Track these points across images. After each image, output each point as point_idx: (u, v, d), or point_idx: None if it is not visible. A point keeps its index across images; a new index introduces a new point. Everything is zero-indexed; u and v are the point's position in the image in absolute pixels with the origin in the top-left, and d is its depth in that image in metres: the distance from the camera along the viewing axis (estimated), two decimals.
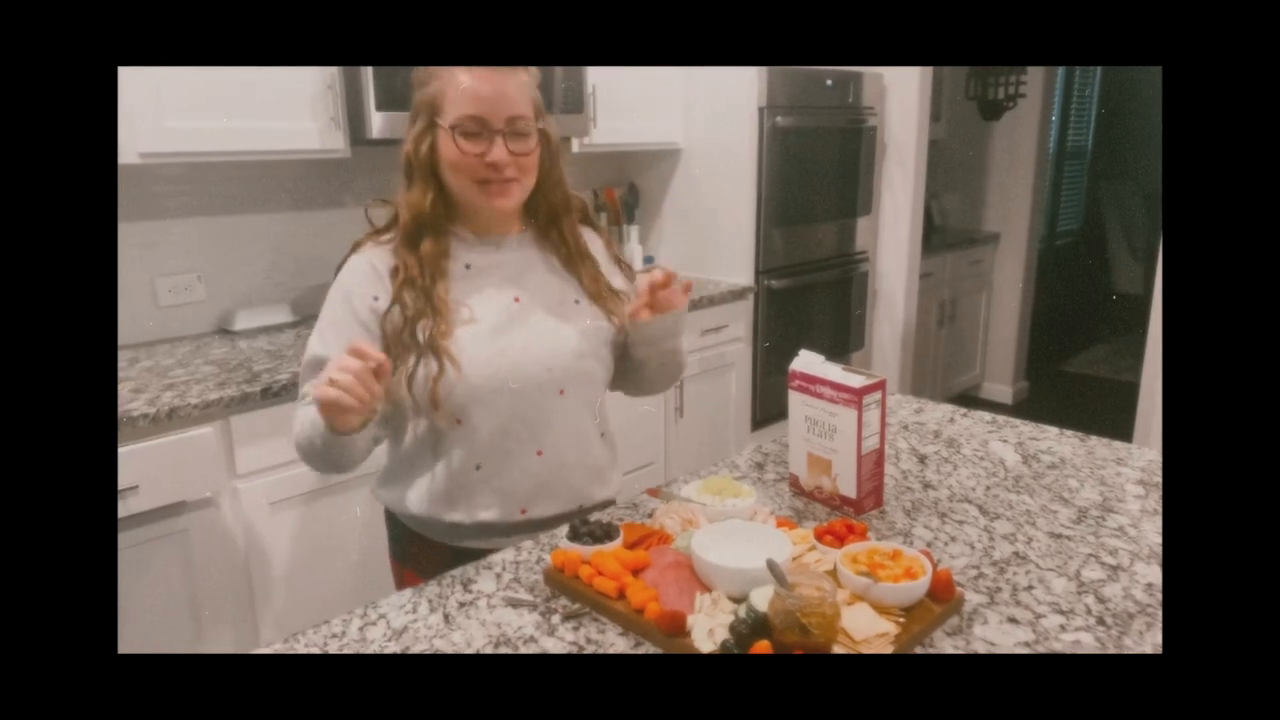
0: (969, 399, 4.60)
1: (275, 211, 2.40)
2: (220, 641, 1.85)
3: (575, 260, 1.27)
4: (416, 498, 1.23)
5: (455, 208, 1.20)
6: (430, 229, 1.17)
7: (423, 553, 1.27)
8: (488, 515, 1.21)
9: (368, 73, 2.10)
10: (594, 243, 1.32)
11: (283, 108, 2.05)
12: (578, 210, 1.29)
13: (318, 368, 1.14)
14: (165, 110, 1.86)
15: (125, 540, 1.67)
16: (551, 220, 1.26)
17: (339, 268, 1.21)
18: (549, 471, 1.22)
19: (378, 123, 2.13)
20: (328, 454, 1.10)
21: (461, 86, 1.12)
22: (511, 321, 1.19)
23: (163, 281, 2.22)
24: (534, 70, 1.20)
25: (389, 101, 2.14)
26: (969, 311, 4.42)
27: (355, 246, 1.22)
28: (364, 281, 1.17)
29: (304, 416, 1.12)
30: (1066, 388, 4.92)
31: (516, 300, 1.21)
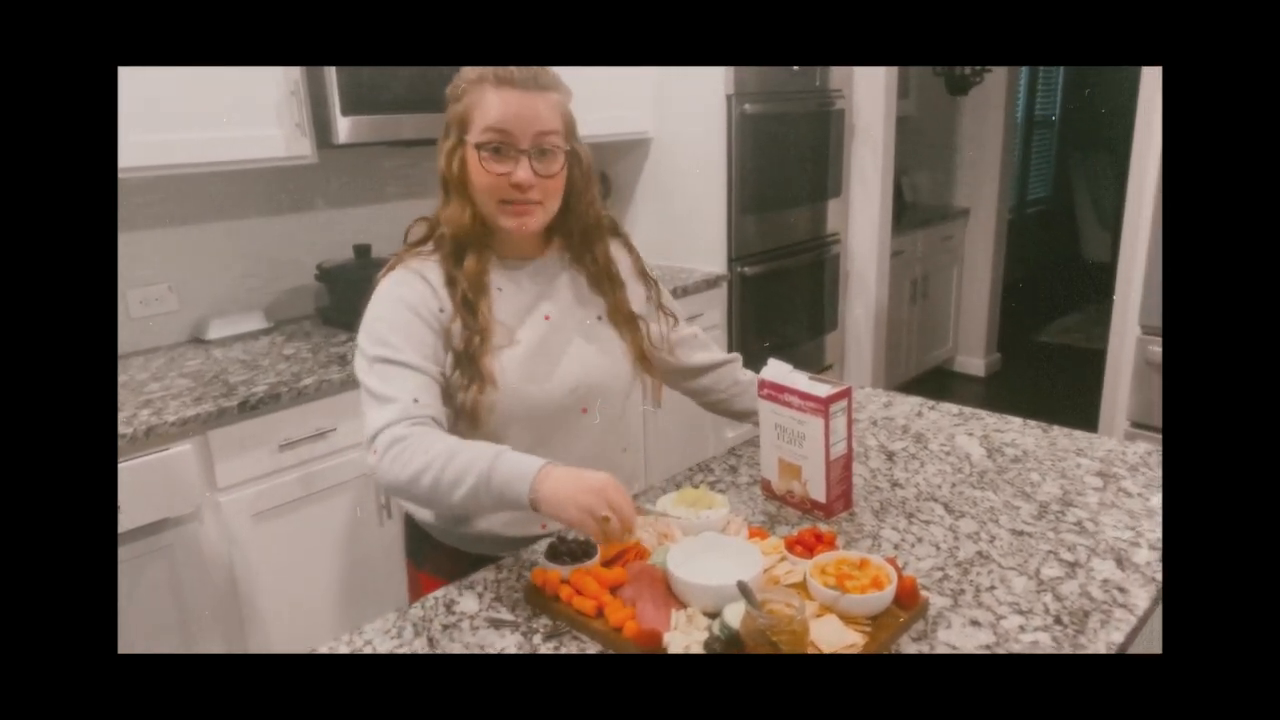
0: (942, 373, 4.67)
1: (245, 218, 2.39)
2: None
3: (603, 281, 1.29)
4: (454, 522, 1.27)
5: (488, 226, 1.21)
6: (472, 246, 1.18)
7: (439, 556, 1.32)
8: (509, 530, 1.26)
9: (332, 78, 2.08)
10: (621, 260, 1.33)
11: (247, 116, 2.03)
12: (608, 228, 1.30)
13: (395, 365, 1.12)
14: (129, 126, 1.83)
15: None
16: (584, 242, 1.27)
17: (377, 281, 1.21)
18: None
19: (344, 128, 2.13)
20: (464, 499, 1.06)
21: (488, 102, 1.13)
22: (543, 342, 1.22)
23: (134, 293, 2.21)
24: (566, 88, 1.19)
25: (354, 106, 2.13)
26: (940, 287, 4.47)
27: (394, 261, 1.22)
28: (424, 293, 1.17)
29: (460, 453, 1.07)
30: (1038, 357, 5.00)
31: (547, 319, 1.24)
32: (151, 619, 1.77)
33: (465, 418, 1.17)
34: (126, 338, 2.21)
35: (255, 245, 2.42)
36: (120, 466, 1.66)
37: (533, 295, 1.25)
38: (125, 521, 1.68)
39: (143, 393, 1.89)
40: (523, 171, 1.14)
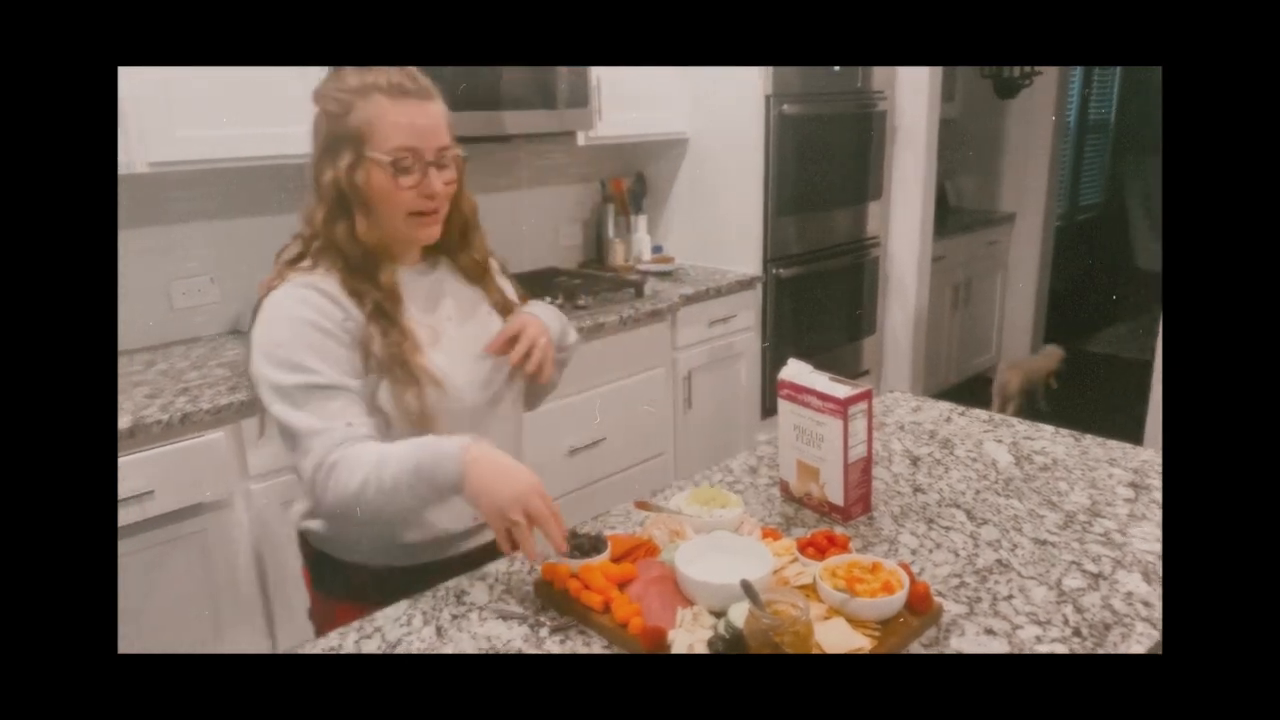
0: (984, 381, 4.56)
1: (285, 212, 2.40)
2: (238, 641, 1.91)
3: (481, 272, 1.30)
4: (371, 529, 1.21)
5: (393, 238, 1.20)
6: (384, 259, 1.17)
7: (367, 583, 1.23)
8: (446, 526, 1.23)
9: None
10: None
11: (289, 113, 2.04)
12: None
13: (318, 390, 1.10)
14: (174, 119, 1.89)
15: (142, 543, 1.73)
16: (464, 234, 1.28)
17: (255, 309, 1.17)
18: None
19: None
20: (408, 499, 1.07)
21: (390, 117, 1.12)
22: (452, 339, 1.23)
23: (177, 285, 2.27)
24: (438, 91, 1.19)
25: None
26: (984, 293, 4.38)
27: (273, 279, 1.18)
28: (324, 306, 1.14)
29: (375, 457, 1.07)
30: (1086, 368, 4.87)
31: (449, 318, 1.25)
32: (181, 602, 1.81)
33: (412, 422, 1.14)
34: (168, 328, 2.27)
35: None
36: (154, 452, 1.71)
37: (430, 294, 1.24)
38: (158, 505, 1.73)
39: (181, 380, 1.94)
40: (434, 182, 1.14)
